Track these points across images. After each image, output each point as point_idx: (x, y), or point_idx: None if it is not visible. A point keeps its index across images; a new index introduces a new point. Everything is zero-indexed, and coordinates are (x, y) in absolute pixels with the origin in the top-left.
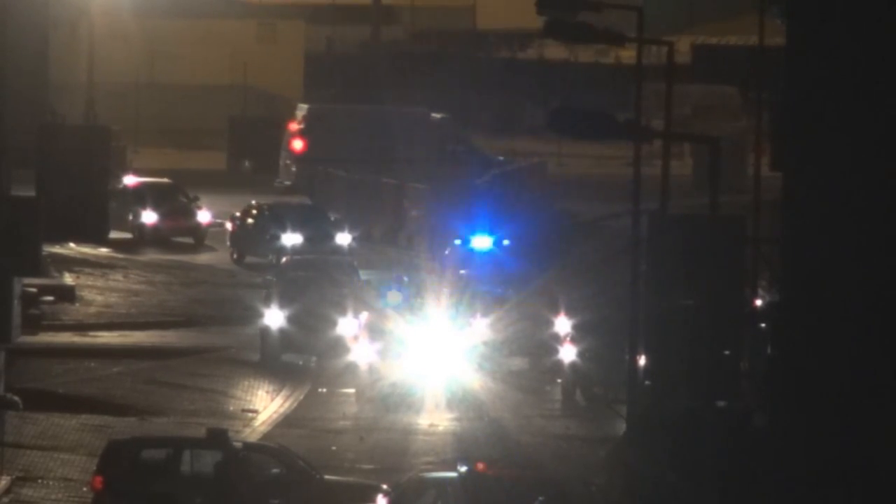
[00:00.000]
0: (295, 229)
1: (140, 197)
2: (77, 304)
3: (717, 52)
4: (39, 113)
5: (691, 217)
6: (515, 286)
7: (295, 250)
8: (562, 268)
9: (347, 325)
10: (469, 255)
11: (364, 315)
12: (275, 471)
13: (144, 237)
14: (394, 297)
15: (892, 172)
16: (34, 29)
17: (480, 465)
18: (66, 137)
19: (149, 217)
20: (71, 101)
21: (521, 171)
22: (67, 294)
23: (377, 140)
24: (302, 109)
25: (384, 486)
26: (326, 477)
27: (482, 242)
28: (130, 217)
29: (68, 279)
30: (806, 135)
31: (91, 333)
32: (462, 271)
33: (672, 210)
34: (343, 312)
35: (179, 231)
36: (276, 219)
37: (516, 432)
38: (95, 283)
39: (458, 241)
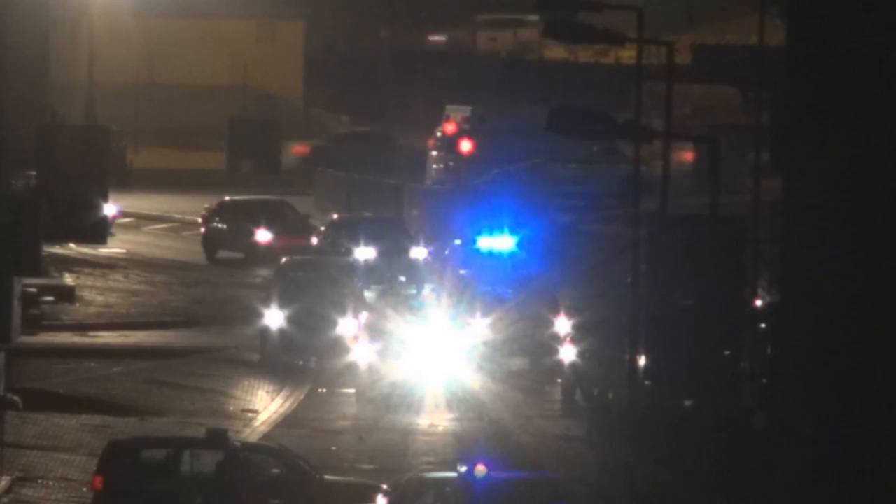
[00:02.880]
0: (368, 243)
1: (252, 215)
2: (77, 305)
3: (717, 52)
4: (39, 113)
5: (691, 217)
6: (515, 286)
7: (368, 265)
8: (562, 268)
9: (347, 326)
10: (469, 255)
11: (364, 315)
12: (275, 471)
13: (257, 256)
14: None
15: (892, 172)
16: (34, 29)
17: (481, 467)
18: (66, 137)
19: (263, 236)
20: (71, 101)
21: (523, 171)
22: (67, 294)
23: (537, 140)
24: (460, 110)
25: (384, 486)
26: (326, 477)
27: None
28: (242, 235)
29: (68, 279)
30: (806, 135)
31: (91, 333)
32: (462, 271)
33: (672, 210)
34: (343, 313)
35: (293, 250)
36: (351, 232)
37: (516, 432)
38: (95, 283)
39: (458, 242)
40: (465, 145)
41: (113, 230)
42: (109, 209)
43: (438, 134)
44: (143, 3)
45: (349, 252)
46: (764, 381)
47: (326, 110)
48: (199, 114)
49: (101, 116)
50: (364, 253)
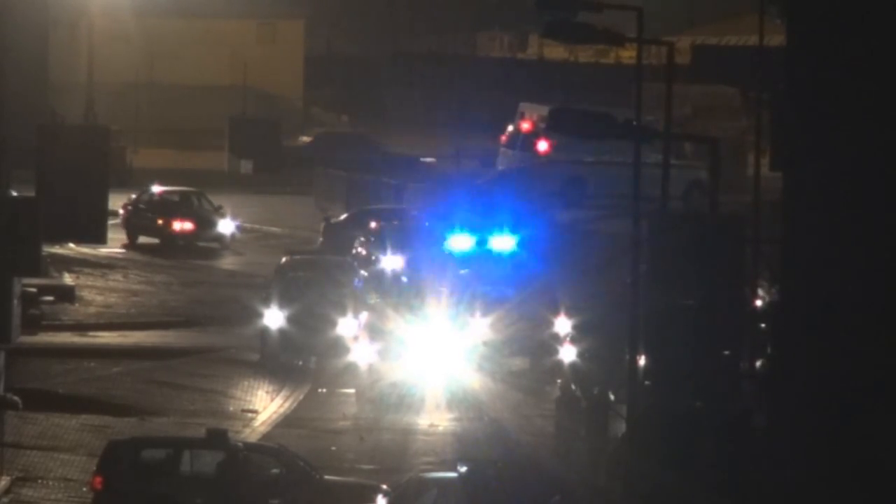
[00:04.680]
0: (396, 251)
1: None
2: (77, 304)
3: (717, 52)
4: (39, 113)
5: (691, 217)
6: (515, 286)
7: (395, 273)
8: (562, 268)
9: (347, 325)
10: (469, 255)
11: (364, 315)
12: (275, 471)
13: None
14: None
15: (892, 172)
16: (34, 29)
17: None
18: (66, 137)
19: None
20: (71, 101)
21: (522, 171)
22: (67, 294)
23: (612, 141)
24: (536, 109)
25: (384, 486)
26: (326, 477)
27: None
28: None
29: (68, 279)
30: (805, 135)
31: (91, 333)
32: (462, 271)
33: (672, 210)
34: (343, 312)
35: None
36: (381, 240)
37: (516, 432)
38: (95, 283)
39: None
40: (543, 145)
41: (232, 247)
42: (227, 226)
43: (509, 131)
44: (143, 3)
45: (377, 261)
46: (763, 380)
47: (326, 110)
48: (199, 114)
49: (101, 116)
50: (391, 261)
